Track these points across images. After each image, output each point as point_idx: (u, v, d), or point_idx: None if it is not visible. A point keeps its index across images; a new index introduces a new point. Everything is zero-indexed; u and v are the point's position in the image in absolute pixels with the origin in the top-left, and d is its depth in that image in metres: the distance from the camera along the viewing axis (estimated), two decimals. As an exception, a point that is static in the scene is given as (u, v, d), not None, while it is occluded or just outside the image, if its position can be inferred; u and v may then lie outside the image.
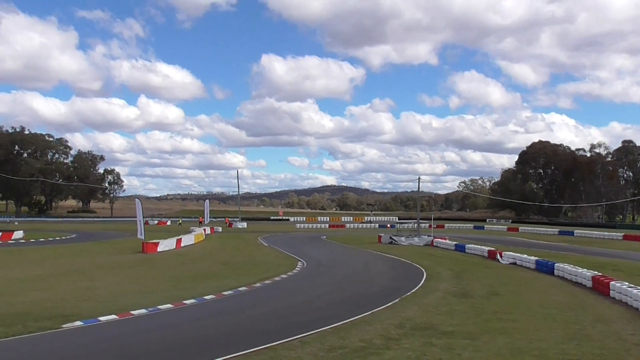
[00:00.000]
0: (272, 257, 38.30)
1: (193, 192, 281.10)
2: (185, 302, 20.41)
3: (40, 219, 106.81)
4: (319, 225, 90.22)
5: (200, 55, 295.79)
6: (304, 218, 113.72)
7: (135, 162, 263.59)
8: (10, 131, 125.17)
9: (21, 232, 57.98)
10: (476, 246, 43.07)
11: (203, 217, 74.97)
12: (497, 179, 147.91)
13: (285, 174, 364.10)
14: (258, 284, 25.33)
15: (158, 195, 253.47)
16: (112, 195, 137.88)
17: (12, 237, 54.60)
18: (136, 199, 51.89)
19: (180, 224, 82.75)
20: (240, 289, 23.94)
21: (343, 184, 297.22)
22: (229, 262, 35.13)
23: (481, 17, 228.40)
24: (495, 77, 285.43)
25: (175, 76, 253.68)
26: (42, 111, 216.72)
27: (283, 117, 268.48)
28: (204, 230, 60.92)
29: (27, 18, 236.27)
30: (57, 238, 56.39)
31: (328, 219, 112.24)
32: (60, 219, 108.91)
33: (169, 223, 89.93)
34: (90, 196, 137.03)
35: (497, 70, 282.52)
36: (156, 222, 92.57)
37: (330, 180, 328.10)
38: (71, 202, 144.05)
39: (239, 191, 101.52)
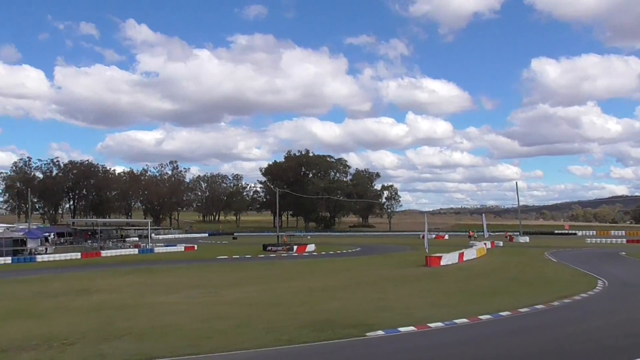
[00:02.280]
0: (565, 274, 35.20)
1: (466, 206, 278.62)
2: (480, 317, 19.68)
3: (326, 233, 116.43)
4: (614, 240, 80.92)
5: (465, 67, 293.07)
6: (594, 232, 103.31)
7: (407, 178, 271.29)
8: (297, 154, 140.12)
9: (313, 245, 63.82)
10: None
11: (473, 231, 73.21)
12: None
13: (565, 185, 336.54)
14: (556, 303, 23.28)
15: (431, 209, 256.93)
16: (389, 210, 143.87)
17: (306, 250, 60.43)
18: (424, 214, 52.89)
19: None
20: (536, 306, 22.28)
21: (637, 194, 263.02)
22: (518, 278, 33.30)
23: None
24: None
25: (441, 90, 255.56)
26: (320, 134, 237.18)
27: (559, 123, 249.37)
28: (484, 244, 59.28)
29: (302, 51, 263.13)
30: (344, 251, 60.63)
31: (623, 233, 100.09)
32: (343, 233, 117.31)
33: (446, 237, 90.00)
34: (369, 211, 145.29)
35: None
36: (433, 236, 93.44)
37: (621, 190, 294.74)
38: (352, 218, 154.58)
39: (518, 204, 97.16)
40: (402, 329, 17.49)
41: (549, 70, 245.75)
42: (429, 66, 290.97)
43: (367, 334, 16.89)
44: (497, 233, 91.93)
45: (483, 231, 73.41)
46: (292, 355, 14.70)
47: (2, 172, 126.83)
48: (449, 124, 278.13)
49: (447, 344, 15.93)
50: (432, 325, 18.18)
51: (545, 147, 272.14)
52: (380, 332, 17.06)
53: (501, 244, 68.51)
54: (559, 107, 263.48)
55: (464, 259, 45.37)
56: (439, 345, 15.74)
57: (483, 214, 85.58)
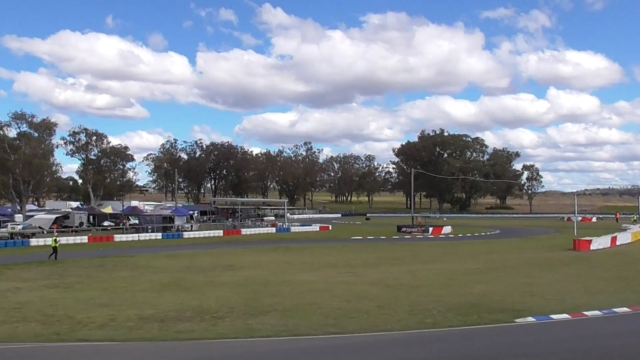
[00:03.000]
0: None
1: (614, 187, 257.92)
2: (643, 306, 17.91)
3: (461, 215, 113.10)
4: None
5: (615, 36, 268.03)
6: None
7: (548, 157, 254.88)
8: (431, 134, 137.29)
9: (449, 227, 62.31)
10: None
11: (620, 214, 66.54)
12: None
13: None
14: None
15: (574, 190, 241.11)
16: (530, 191, 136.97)
17: (442, 232, 59.11)
18: (575, 194, 49.63)
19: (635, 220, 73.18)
20: None
21: None
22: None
23: None
24: None
25: (587, 63, 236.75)
26: (454, 113, 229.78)
27: None
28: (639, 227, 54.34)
29: (436, 27, 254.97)
30: (483, 233, 58.55)
31: None
32: (480, 215, 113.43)
33: (594, 220, 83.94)
34: (507, 193, 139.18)
35: None
36: (579, 218, 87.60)
37: None
38: (488, 199, 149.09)
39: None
40: (554, 316, 16.39)
41: None
42: (573, 37, 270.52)
43: (516, 320, 16.03)
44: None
45: (638, 213, 67.40)
46: (437, 338, 14.27)
47: (151, 154, 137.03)
48: (596, 99, 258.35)
49: (606, 335, 14.68)
50: (589, 313, 16.85)
51: None
52: (530, 319, 16.11)
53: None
54: None
55: (617, 243, 41.90)
56: (597, 336, 14.54)
57: (639, 195, 78.28)
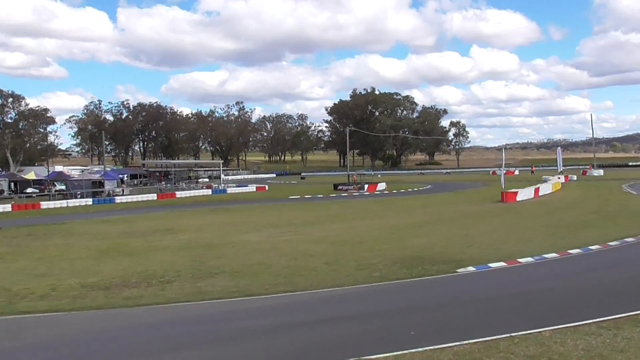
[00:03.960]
0: (650, 206, 33.76)
1: (532, 141, 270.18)
2: (570, 251, 19.11)
3: (393, 172, 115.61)
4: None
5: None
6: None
7: (472, 114, 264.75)
8: (363, 93, 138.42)
9: (384, 184, 63.70)
10: None
11: (534, 166, 70.08)
12: None
13: (637, 116, 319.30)
14: (648, 235, 22.35)
15: (497, 145, 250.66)
16: (457, 147, 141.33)
17: (377, 189, 60.37)
18: (502, 149, 51.60)
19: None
20: (627, 239, 21.46)
21: None
22: (600, 211, 32.13)
23: None
24: None
25: (507, 21, 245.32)
26: (383, 72, 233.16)
27: (633, 51, 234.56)
28: (559, 178, 57.42)
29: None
30: (416, 189, 60.25)
31: None
32: (411, 171, 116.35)
33: (516, 172, 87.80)
34: (436, 149, 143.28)
35: None
36: (504, 171, 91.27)
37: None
38: (418, 156, 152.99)
39: (593, 135, 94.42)
40: (492, 265, 17.25)
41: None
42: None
43: (458, 270, 16.73)
44: (568, 167, 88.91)
45: (557, 165, 71.08)
46: (387, 291, 14.74)
47: (74, 116, 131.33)
48: (515, 57, 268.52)
49: (538, 279, 15.57)
50: (522, 260, 17.84)
51: (616, 77, 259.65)
52: (471, 268, 16.86)
53: (575, 177, 66.28)
54: (632, 33, 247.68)
55: (540, 193, 44.25)
56: (530, 280, 15.42)
57: (559, 148, 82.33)
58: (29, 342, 11.35)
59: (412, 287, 15.17)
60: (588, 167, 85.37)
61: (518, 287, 14.45)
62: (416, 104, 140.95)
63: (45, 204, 47.91)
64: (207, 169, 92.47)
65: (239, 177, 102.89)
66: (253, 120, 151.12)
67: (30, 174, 64.48)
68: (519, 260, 17.85)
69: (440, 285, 15.30)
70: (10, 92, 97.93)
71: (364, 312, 12.54)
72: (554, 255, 18.61)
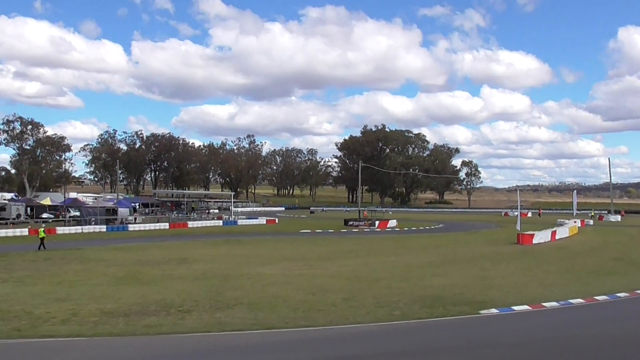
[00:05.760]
0: (674, 255, 33.27)
1: (543, 183, 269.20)
2: (596, 298, 18.78)
3: (403, 209, 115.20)
4: None
5: (546, 38, 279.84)
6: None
7: (482, 154, 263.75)
8: (373, 129, 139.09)
9: (395, 221, 63.36)
10: None
11: (541, 209, 67.71)
12: None
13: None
14: (674, 285, 21.95)
15: (507, 186, 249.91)
16: (469, 186, 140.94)
17: (388, 225, 60.04)
18: (517, 191, 51.39)
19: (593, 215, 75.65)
20: (654, 289, 21.08)
21: None
22: (623, 258, 31.55)
23: None
24: None
25: (519, 63, 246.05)
26: (392, 109, 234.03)
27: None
28: (575, 222, 56.93)
29: (375, 23, 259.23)
30: (427, 227, 59.88)
31: None
32: (422, 210, 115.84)
33: (529, 215, 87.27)
34: (446, 188, 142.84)
35: None
36: (516, 213, 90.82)
37: None
38: (428, 194, 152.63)
39: (610, 180, 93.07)
40: (515, 308, 16.98)
41: (638, 39, 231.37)
42: (506, 37, 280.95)
43: (481, 311, 16.48)
44: (582, 211, 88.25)
45: (571, 209, 70.59)
46: (410, 331, 14.51)
47: (88, 144, 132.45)
48: (527, 98, 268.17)
49: (566, 325, 15.28)
50: (547, 304, 17.54)
51: (631, 122, 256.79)
52: (494, 310, 16.63)
53: (591, 222, 65.65)
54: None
55: (557, 237, 43.78)
56: (558, 326, 15.10)
57: (574, 191, 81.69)
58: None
59: (434, 327, 14.91)
60: (601, 212, 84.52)
61: (545, 333, 14.14)
62: (428, 142, 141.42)
63: (60, 229, 48.05)
64: (217, 200, 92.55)
65: (248, 209, 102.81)
66: (263, 154, 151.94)
67: (46, 200, 64.92)
68: (544, 304, 17.57)
69: (464, 326, 15.05)
70: (30, 119, 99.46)
71: (387, 351, 12.28)
72: (580, 300, 18.28)
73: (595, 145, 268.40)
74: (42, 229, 36.29)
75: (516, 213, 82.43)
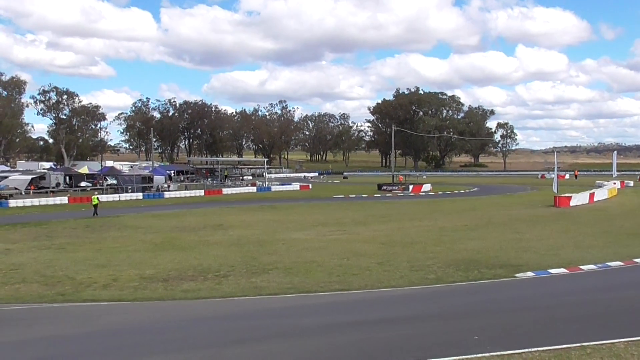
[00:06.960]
0: None
1: (581, 144, 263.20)
2: (635, 260, 18.40)
3: (437, 173, 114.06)
4: None
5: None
6: None
7: (517, 115, 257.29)
8: (406, 92, 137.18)
9: (429, 185, 62.97)
10: None
11: (577, 171, 65.94)
12: None
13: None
14: None
15: (543, 148, 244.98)
16: (505, 149, 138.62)
17: (422, 190, 59.68)
18: (554, 152, 50.38)
19: None
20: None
21: None
22: (664, 220, 30.92)
23: None
24: None
25: (556, 20, 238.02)
26: (424, 71, 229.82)
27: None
28: (614, 184, 55.66)
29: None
30: (462, 191, 59.33)
31: None
32: (456, 173, 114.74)
33: (567, 177, 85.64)
34: (481, 150, 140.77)
35: None
36: (553, 175, 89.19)
37: None
38: (462, 157, 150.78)
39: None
40: (552, 271, 16.81)
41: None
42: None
43: (516, 275, 16.38)
44: (622, 172, 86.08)
45: (611, 170, 68.95)
46: (443, 294, 14.55)
47: (122, 113, 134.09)
48: (564, 56, 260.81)
49: (605, 288, 15.07)
50: (584, 267, 17.30)
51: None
52: (530, 274, 16.50)
53: (631, 184, 64.08)
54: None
55: (595, 199, 42.91)
56: (597, 289, 14.92)
57: (615, 152, 79.51)
58: (97, 329, 11.65)
59: (469, 290, 14.92)
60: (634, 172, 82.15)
61: (583, 295, 14.02)
62: (462, 104, 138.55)
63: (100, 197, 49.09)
64: (250, 166, 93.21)
65: (281, 175, 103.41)
66: (295, 119, 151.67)
67: (84, 168, 66.30)
68: (581, 267, 17.34)
69: (500, 289, 15.01)
70: (65, 89, 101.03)
71: (423, 314, 12.40)
72: (618, 263, 17.93)
73: (636, 104, 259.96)
74: (96, 196, 37.88)
75: (553, 175, 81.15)
